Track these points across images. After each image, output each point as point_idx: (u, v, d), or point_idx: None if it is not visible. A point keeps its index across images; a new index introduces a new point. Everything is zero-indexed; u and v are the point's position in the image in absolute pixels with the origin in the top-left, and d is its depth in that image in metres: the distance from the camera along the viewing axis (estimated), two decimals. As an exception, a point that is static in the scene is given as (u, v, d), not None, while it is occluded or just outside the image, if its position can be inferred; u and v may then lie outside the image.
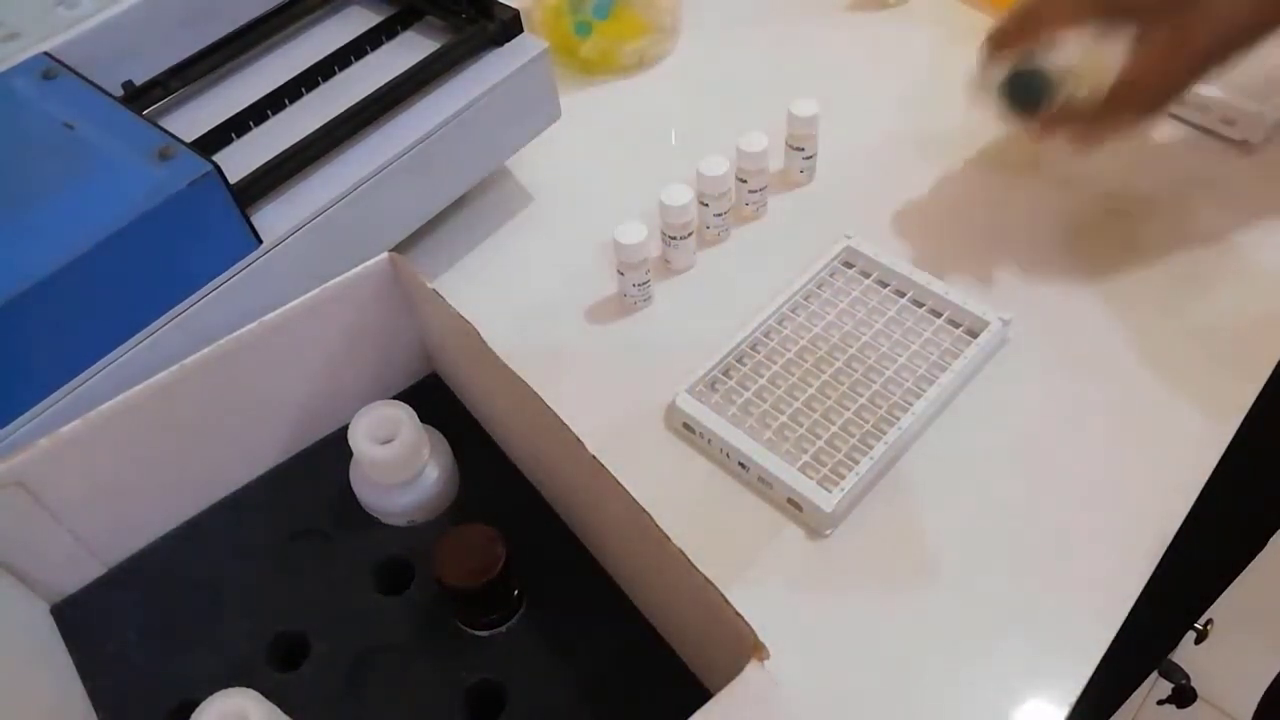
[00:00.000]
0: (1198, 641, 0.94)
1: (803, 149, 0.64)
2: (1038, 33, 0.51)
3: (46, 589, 0.44)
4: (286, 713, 0.37)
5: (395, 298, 0.47)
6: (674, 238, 0.59)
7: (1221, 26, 0.45)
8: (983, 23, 0.76)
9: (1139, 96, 0.49)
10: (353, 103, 0.55)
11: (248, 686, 0.36)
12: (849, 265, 0.59)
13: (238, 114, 0.57)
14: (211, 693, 0.35)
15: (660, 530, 0.34)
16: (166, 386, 0.42)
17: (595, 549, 0.43)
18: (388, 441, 0.43)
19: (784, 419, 0.52)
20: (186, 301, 0.49)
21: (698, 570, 0.33)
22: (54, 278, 0.43)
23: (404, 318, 0.48)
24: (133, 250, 0.45)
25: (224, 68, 0.61)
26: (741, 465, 0.51)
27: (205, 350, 0.42)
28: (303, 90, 0.59)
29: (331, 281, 0.45)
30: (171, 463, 0.44)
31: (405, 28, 0.63)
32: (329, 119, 0.54)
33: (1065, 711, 0.43)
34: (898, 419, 0.51)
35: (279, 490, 0.48)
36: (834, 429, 0.51)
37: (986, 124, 0.69)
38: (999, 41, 0.53)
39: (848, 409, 0.52)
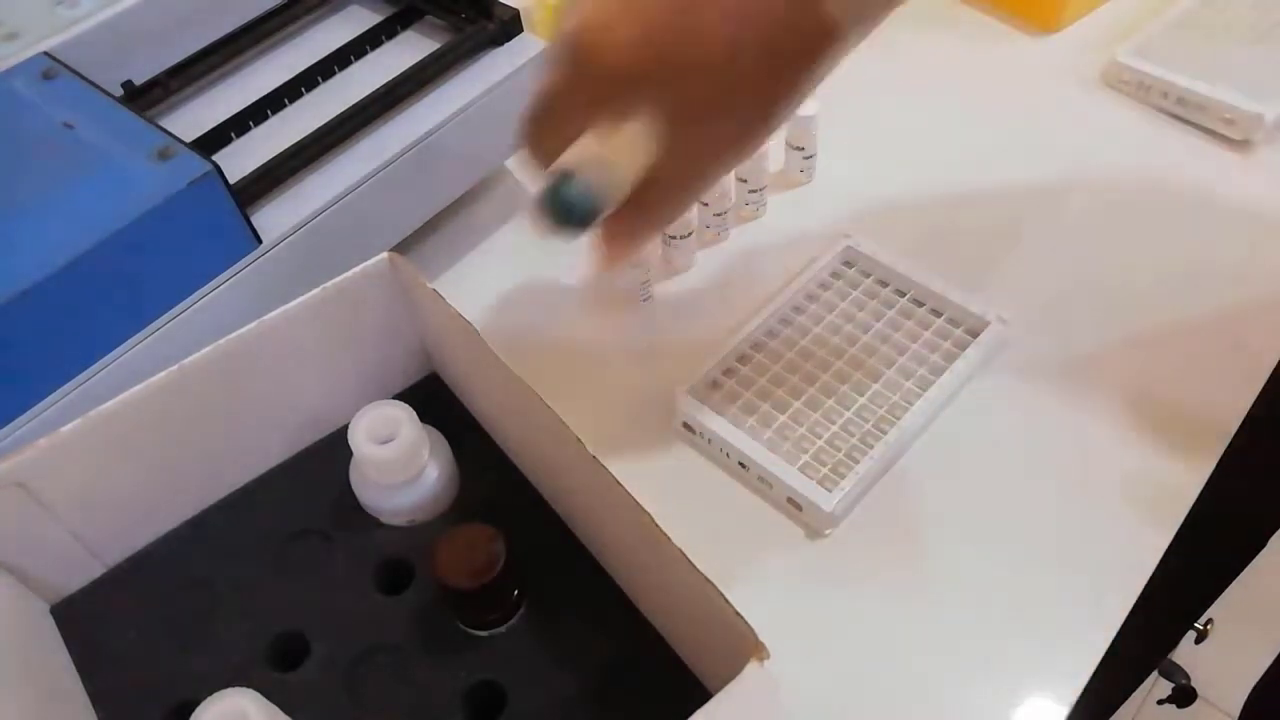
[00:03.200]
0: (1198, 641, 0.94)
1: (803, 148, 0.64)
2: (565, 132, 0.37)
3: (46, 589, 0.44)
4: (286, 713, 0.37)
5: (395, 298, 0.47)
6: (673, 237, 0.59)
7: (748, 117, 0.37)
8: (983, 23, 0.76)
9: (668, 197, 0.40)
10: (352, 103, 0.55)
11: (247, 686, 0.36)
12: (849, 265, 0.59)
13: (238, 114, 0.57)
14: (211, 693, 0.35)
15: (660, 530, 0.34)
16: (166, 386, 0.42)
17: (595, 549, 0.43)
18: (388, 441, 0.43)
19: (784, 419, 0.52)
20: (186, 301, 0.49)
21: (698, 570, 0.33)
22: (54, 277, 0.43)
23: (404, 318, 0.48)
24: (132, 250, 0.45)
25: (224, 68, 0.61)
26: (741, 465, 0.51)
27: (205, 350, 0.42)
28: (303, 90, 0.59)
29: (331, 281, 0.45)
30: (171, 463, 0.44)
31: (405, 28, 0.63)
32: (329, 119, 0.54)
33: (1065, 711, 0.43)
34: (898, 419, 0.51)
35: (279, 490, 0.48)
36: (834, 429, 0.51)
37: (984, 123, 0.69)
38: (530, 145, 0.39)
39: (848, 408, 0.52)
